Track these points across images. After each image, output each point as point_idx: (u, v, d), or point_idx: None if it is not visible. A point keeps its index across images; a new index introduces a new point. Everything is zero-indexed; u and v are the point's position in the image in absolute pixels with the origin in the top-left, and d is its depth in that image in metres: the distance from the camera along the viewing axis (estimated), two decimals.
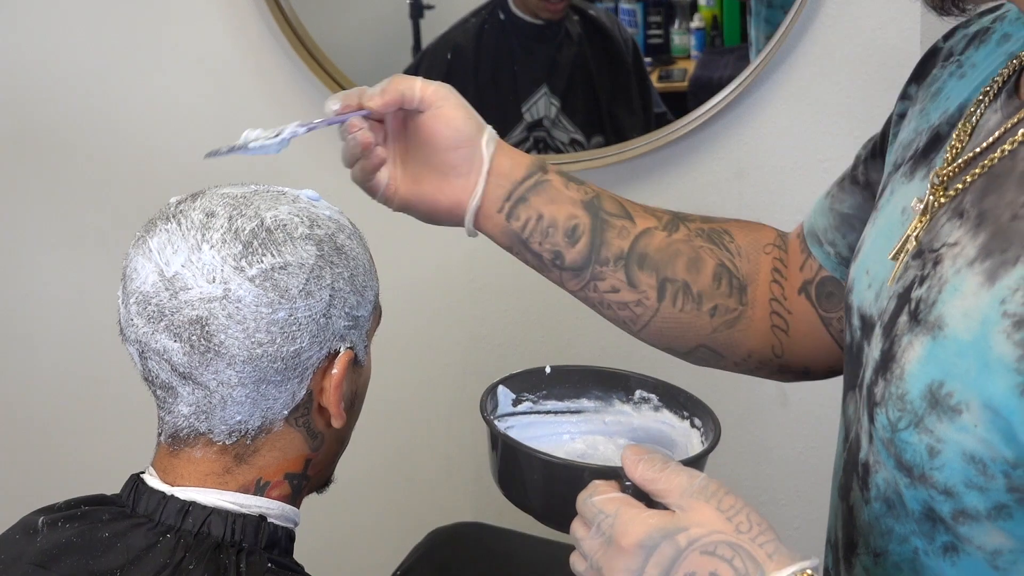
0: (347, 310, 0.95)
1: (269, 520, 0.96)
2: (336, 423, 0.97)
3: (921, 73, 1.01)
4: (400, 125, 1.08)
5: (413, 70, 1.79)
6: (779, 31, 1.67)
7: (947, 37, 1.00)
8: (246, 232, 0.91)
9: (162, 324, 0.91)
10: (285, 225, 0.93)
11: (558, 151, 1.79)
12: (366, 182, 1.09)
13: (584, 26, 1.80)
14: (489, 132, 1.08)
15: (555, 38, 1.79)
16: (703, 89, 1.78)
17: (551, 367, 1.07)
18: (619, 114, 1.82)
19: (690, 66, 1.83)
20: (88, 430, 1.93)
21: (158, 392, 0.95)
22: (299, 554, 1.01)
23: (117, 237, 1.77)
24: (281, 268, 0.91)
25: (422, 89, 1.05)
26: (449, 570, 1.49)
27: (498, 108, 1.79)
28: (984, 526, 0.79)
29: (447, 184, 1.07)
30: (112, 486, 1.01)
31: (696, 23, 1.82)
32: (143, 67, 1.77)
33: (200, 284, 0.90)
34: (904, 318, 0.83)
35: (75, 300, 1.87)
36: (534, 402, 1.07)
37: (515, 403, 1.06)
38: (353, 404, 1.00)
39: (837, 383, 1.91)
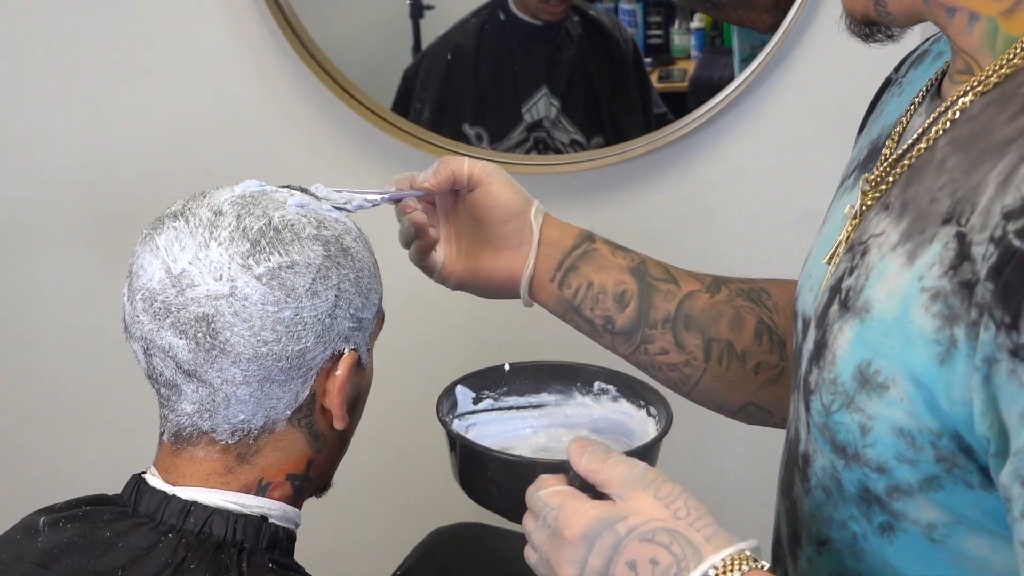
0: (352, 311, 0.95)
1: (270, 521, 0.96)
2: (338, 425, 0.97)
3: (874, 106, 1.07)
4: (452, 206, 1.14)
5: (413, 70, 1.79)
6: (779, 32, 1.67)
7: (896, 69, 1.06)
8: (254, 231, 0.92)
9: (168, 321, 0.91)
10: (293, 225, 0.93)
11: (558, 151, 1.79)
12: (422, 262, 1.14)
13: (584, 26, 1.80)
14: (537, 205, 1.13)
15: (555, 38, 1.79)
16: (703, 89, 1.78)
17: (510, 364, 1.10)
18: (619, 114, 1.82)
19: (690, 66, 1.84)
20: (89, 430, 1.93)
21: (162, 390, 0.95)
22: (299, 554, 1.01)
23: (118, 236, 1.77)
24: (288, 267, 0.91)
25: (470, 167, 1.11)
26: (449, 570, 1.49)
27: (498, 108, 1.80)
28: (917, 500, 0.82)
29: (501, 257, 1.13)
30: (113, 486, 1.01)
31: (696, 23, 1.83)
32: (143, 67, 1.77)
33: (207, 281, 0.90)
34: (835, 307, 0.87)
35: (75, 300, 1.87)
36: (495, 399, 1.10)
37: (475, 401, 1.09)
38: (355, 406, 1.01)
39: None
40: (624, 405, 1.07)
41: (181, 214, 0.94)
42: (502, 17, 1.77)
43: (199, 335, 0.90)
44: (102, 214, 1.83)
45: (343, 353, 0.95)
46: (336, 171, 1.78)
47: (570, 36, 1.80)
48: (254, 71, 1.75)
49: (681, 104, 1.79)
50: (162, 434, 0.98)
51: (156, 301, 0.91)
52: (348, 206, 1.02)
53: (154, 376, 0.95)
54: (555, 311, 1.15)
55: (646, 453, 0.94)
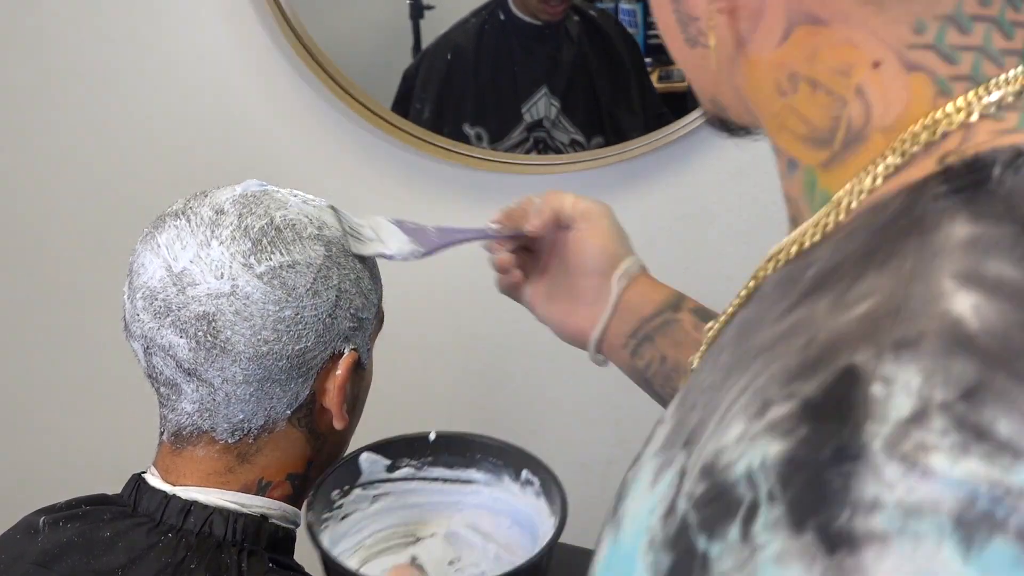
0: (352, 311, 0.95)
1: (270, 520, 0.96)
2: (338, 424, 0.97)
3: None
4: (550, 242, 1.07)
5: (413, 70, 1.79)
6: None
7: None
8: (255, 230, 0.92)
9: (168, 319, 0.91)
10: (294, 224, 0.93)
11: (558, 152, 1.79)
12: (509, 294, 1.11)
13: (584, 27, 1.80)
14: (626, 265, 1.04)
15: (555, 39, 1.79)
16: None
17: (435, 433, 1.05)
18: (619, 115, 1.82)
19: None
20: (89, 429, 1.93)
21: (162, 389, 0.95)
22: (299, 554, 1.01)
23: (117, 236, 1.76)
24: (289, 266, 0.91)
25: (573, 206, 1.03)
26: None
27: (498, 108, 1.80)
28: None
29: (575, 310, 1.06)
30: (113, 486, 1.01)
31: None
32: (143, 67, 1.77)
33: (208, 280, 0.90)
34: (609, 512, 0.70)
35: (74, 299, 1.87)
36: (417, 468, 1.05)
37: (391, 468, 1.05)
38: (355, 406, 1.01)
39: None
40: (543, 504, 1.01)
41: (182, 213, 0.94)
42: (502, 17, 1.77)
43: (200, 334, 0.90)
44: (101, 213, 1.83)
45: (343, 353, 0.95)
46: (336, 171, 1.78)
47: (570, 36, 1.80)
48: (254, 71, 1.75)
49: (681, 104, 1.79)
50: (162, 434, 0.98)
51: (157, 299, 0.91)
52: (422, 250, 1.02)
53: (154, 375, 0.95)
54: (627, 374, 1.07)
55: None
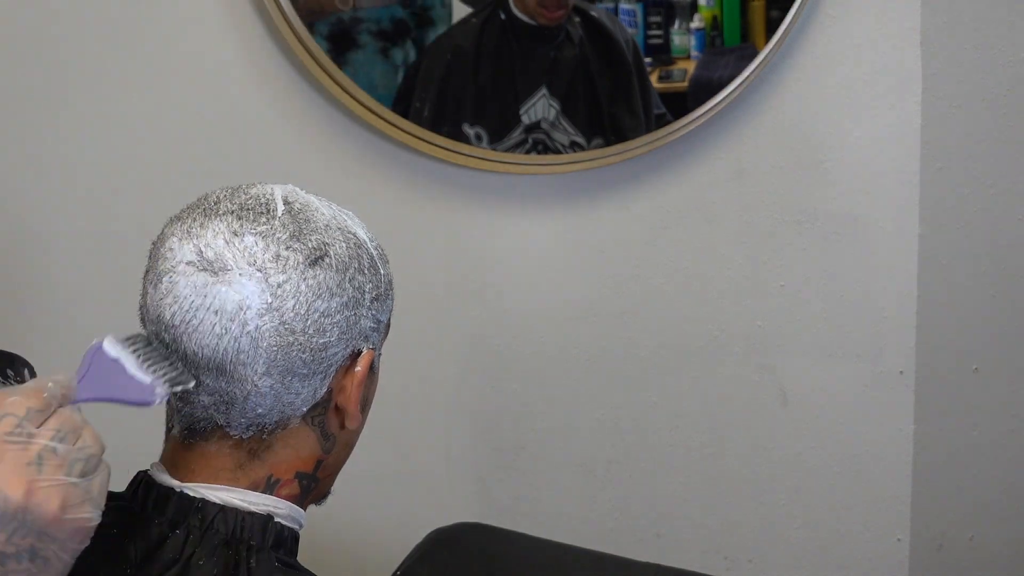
0: (373, 312, 0.97)
1: (276, 520, 0.96)
2: (351, 424, 0.98)
3: None
4: None
5: (413, 69, 1.79)
6: (779, 31, 1.67)
7: None
8: (285, 227, 0.93)
9: None
10: (328, 224, 0.95)
11: (558, 152, 1.79)
12: None
13: (585, 27, 1.80)
14: None
15: (555, 39, 1.79)
16: (703, 89, 1.78)
17: None
18: (619, 115, 1.82)
19: (690, 66, 1.84)
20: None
21: None
22: (300, 554, 1.01)
23: (115, 236, 1.76)
24: (319, 260, 0.92)
25: None
26: (449, 570, 1.49)
27: (498, 109, 1.80)
28: None
29: None
30: (117, 484, 1.01)
31: (696, 23, 1.83)
32: (142, 68, 1.77)
33: (241, 267, 0.91)
34: None
35: (76, 298, 1.87)
36: None
37: None
38: (364, 408, 1.01)
39: (836, 383, 1.91)
40: None
41: (216, 203, 0.94)
42: (502, 17, 1.77)
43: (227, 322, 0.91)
44: (100, 214, 1.83)
45: (362, 351, 0.97)
46: (336, 171, 1.78)
47: (570, 37, 1.80)
48: (254, 70, 1.75)
49: (681, 104, 1.79)
50: (170, 428, 0.98)
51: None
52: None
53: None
54: None
55: None
